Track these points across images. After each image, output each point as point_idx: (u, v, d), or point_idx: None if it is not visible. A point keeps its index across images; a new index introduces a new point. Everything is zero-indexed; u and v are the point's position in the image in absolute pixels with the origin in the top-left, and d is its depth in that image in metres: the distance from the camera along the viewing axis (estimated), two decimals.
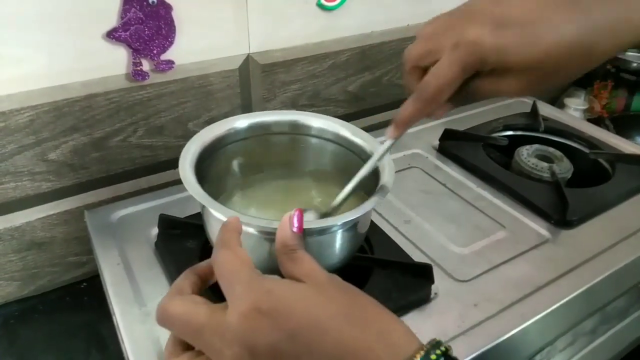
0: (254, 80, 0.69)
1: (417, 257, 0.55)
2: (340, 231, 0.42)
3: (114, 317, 0.49)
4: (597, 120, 1.08)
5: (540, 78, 0.31)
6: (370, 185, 0.44)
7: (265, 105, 0.72)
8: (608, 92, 1.13)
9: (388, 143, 0.40)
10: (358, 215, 0.40)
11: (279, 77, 0.71)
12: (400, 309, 0.48)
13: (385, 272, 0.51)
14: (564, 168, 0.71)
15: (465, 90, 0.34)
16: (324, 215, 0.43)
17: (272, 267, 0.43)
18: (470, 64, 0.32)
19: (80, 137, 0.59)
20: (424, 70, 0.35)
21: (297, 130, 0.53)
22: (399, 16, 0.78)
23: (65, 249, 0.65)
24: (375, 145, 0.49)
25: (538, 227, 0.61)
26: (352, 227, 0.43)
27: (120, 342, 0.46)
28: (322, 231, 0.41)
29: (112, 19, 0.55)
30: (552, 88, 0.34)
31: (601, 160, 0.76)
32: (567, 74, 0.31)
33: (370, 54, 0.78)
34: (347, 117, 0.52)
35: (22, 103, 0.54)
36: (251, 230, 0.40)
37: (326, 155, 0.53)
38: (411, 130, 0.83)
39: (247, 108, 0.71)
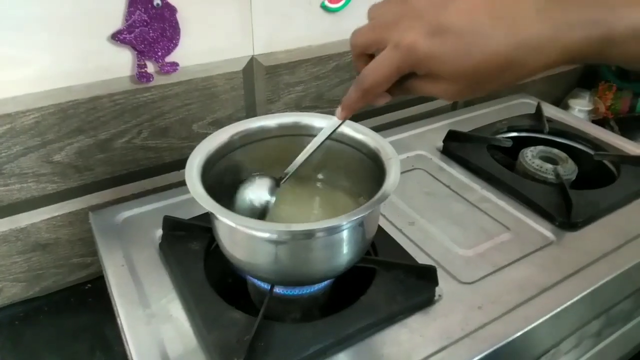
0: (258, 82, 0.69)
1: (421, 259, 0.55)
2: (347, 232, 0.42)
3: (118, 319, 0.49)
4: (601, 122, 1.07)
5: (471, 87, 0.33)
6: (376, 185, 0.44)
7: (269, 106, 0.73)
8: (613, 93, 1.12)
9: (336, 122, 0.42)
10: (364, 214, 0.40)
11: (282, 79, 0.71)
12: (405, 311, 0.48)
13: (390, 274, 0.51)
14: (568, 170, 0.70)
15: (402, 86, 0.36)
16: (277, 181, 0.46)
17: (282, 270, 0.43)
18: (404, 66, 0.34)
19: (85, 138, 0.60)
20: (370, 56, 0.37)
21: (300, 132, 0.53)
22: None
23: (70, 250, 0.65)
24: (380, 142, 0.49)
25: (542, 229, 0.61)
26: (359, 228, 0.43)
27: (125, 343, 0.47)
28: (329, 231, 0.41)
29: (117, 21, 0.56)
30: (487, 93, 0.35)
31: (606, 162, 0.76)
32: (498, 84, 0.33)
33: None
34: (351, 118, 0.52)
35: (27, 105, 0.54)
36: (264, 235, 0.40)
37: (331, 154, 0.53)
38: (415, 131, 0.84)
39: (251, 110, 0.71)
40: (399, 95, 0.37)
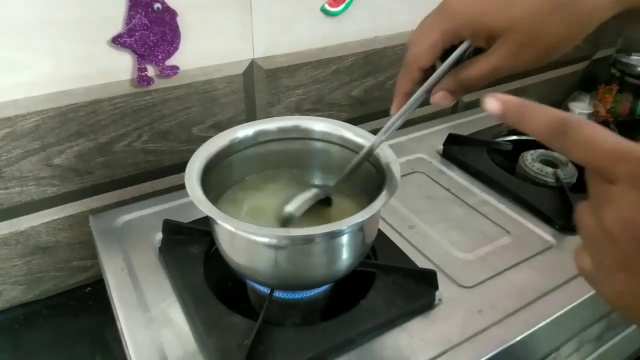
0: (258, 86, 0.70)
1: (421, 262, 0.55)
2: (347, 236, 0.42)
3: (118, 322, 0.49)
4: (602, 125, 1.07)
5: (524, 41, 0.30)
6: (376, 189, 0.44)
7: (269, 110, 0.73)
8: (613, 97, 1.12)
9: (393, 118, 0.39)
10: (364, 219, 0.40)
11: (283, 82, 0.72)
12: (404, 315, 0.48)
13: (389, 278, 0.51)
14: (568, 173, 0.70)
15: (458, 74, 0.33)
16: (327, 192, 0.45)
17: (282, 275, 0.43)
18: (448, 29, 0.32)
19: (85, 142, 0.60)
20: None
21: (300, 135, 0.53)
22: (402, 21, 0.78)
23: (70, 253, 0.65)
24: (381, 146, 0.48)
25: (543, 232, 0.61)
26: (359, 232, 0.43)
27: (124, 347, 0.46)
28: (328, 236, 0.41)
29: (117, 25, 0.56)
30: (544, 57, 0.31)
31: None
32: (553, 36, 0.30)
33: (374, 58, 0.78)
34: (351, 122, 0.52)
35: (27, 108, 0.55)
36: (264, 239, 0.40)
37: (331, 157, 0.53)
38: (415, 134, 0.84)
39: (251, 113, 0.71)
40: (459, 92, 0.34)
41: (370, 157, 0.43)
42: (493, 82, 0.34)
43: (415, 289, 0.50)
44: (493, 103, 0.26)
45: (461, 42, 0.33)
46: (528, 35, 0.30)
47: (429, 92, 0.36)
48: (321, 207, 0.47)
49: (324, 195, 0.46)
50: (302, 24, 0.69)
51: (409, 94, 0.36)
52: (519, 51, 0.30)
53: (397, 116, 0.38)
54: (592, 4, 0.29)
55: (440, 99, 0.34)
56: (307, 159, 0.54)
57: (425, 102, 0.37)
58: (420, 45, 0.34)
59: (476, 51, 0.34)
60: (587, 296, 0.52)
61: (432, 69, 0.36)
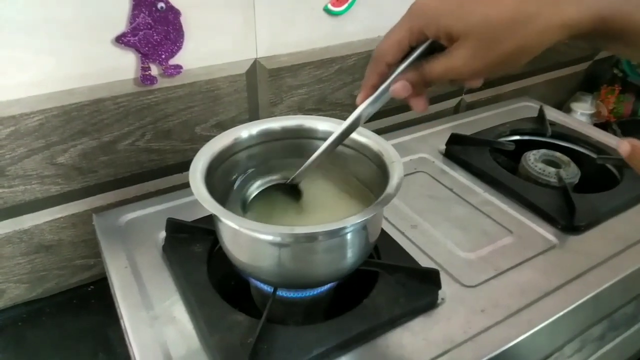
0: (261, 85, 0.70)
1: (424, 262, 0.55)
2: (350, 235, 0.42)
3: (121, 321, 0.49)
4: (604, 125, 1.07)
5: (478, 48, 0.32)
6: (379, 188, 0.44)
7: (272, 109, 0.73)
8: (615, 97, 1.12)
9: (357, 110, 0.40)
10: (367, 218, 0.40)
11: (285, 82, 0.72)
12: (407, 315, 0.48)
13: (392, 277, 0.51)
14: (571, 173, 0.70)
15: (420, 69, 0.35)
16: (290, 181, 0.46)
17: (285, 273, 0.43)
18: (414, 27, 0.34)
19: (89, 140, 0.60)
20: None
21: (304, 135, 0.53)
22: None
23: (73, 251, 0.66)
24: (383, 145, 0.49)
25: (545, 232, 0.61)
26: (362, 231, 0.43)
27: (128, 345, 0.47)
28: (332, 234, 0.41)
29: (121, 24, 0.56)
30: (497, 66, 0.33)
31: (609, 166, 0.76)
32: (504, 49, 0.32)
33: None
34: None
35: (31, 107, 0.55)
36: (268, 237, 0.41)
37: (333, 157, 0.53)
38: (418, 134, 0.84)
39: (254, 112, 0.71)
40: (419, 84, 0.36)
41: (340, 140, 0.43)
42: (494, 81, 0.35)
43: (418, 288, 0.50)
44: (624, 145, 0.31)
45: (427, 40, 0.35)
46: (481, 43, 0.32)
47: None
48: (291, 201, 0.48)
49: (287, 182, 0.47)
50: (305, 23, 0.69)
51: (375, 87, 0.38)
52: (474, 56, 0.33)
53: (361, 108, 0.39)
54: (543, 27, 0.31)
55: (400, 88, 0.36)
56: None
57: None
58: (388, 40, 0.36)
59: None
60: (589, 296, 0.52)
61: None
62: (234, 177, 0.52)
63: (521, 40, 0.31)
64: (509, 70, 0.34)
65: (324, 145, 0.43)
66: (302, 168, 0.45)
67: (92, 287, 0.68)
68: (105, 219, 0.61)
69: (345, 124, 0.41)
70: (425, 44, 0.36)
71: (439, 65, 0.34)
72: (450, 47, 0.33)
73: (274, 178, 0.50)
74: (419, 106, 0.38)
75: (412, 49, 0.36)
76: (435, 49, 0.35)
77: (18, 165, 0.57)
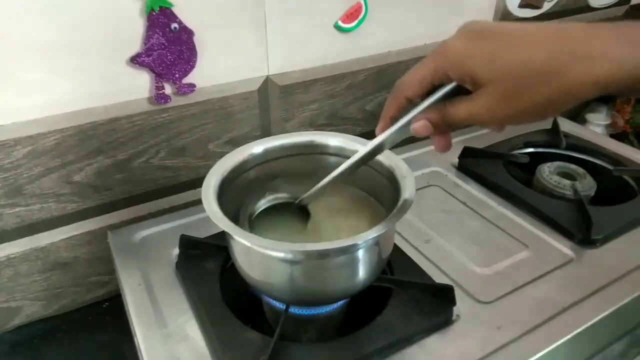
0: (273, 101, 0.70)
1: (438, 277, 0.54)
2: (362, 251, 0.42)
3: (135, 338, 0.49)
4: (620, 136, 1.06)
5: (507, 97, 0.30)
6: (391, 203, 0.44)
7: (284, 125, 0.73)
8: (631, 107, 1.11)
9: (374, 141, 0.40)
10: (379, 233, 0.40)
11: (297, 98, 0.72)
12: (422, 332, 0.48)
13: (406, 294, 0.50)
14: (587, 185, 0.69)
15: (443, 111, 0.34)
16: (299, 202, 0.46)
17: (297, 290, 0.43)
18: (438, 67, 0.33)
19: (104, 159, 0.61)
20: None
21: (315, 150, 0.53)
22: (415, 36, 0.79)
23: (88, 268, 0.66)
24: (395, 159, 0.48)
25: (562, 246, 0.60)
26: (375, 247, 0.43)
27: None
28: (344, 251, 0.41)
29: (135, 45, 0.57)
30: (518, 118, 0.32)
31: (626, 177, 0.75)
32: (531, 100, 0.30)
33: (388, 73, 0.79)
34: (365, 136, 0.52)
35: (48, 127, 0.56)
36: (279, 254, 0.41)
37: None
38: (429, 148, 0.84)
39: (266, 128, 0.72)
40: (440, 125, 0.35)
41: (343, 176, 0.43)
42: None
43: (432, 304, 0.49)
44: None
45: (451, 82, 0.34)
46: (507, 92, 0.30)
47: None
48: (298, 217, 0.48)
49: (295, 202, 0.47)
50: (316, 40, 0.70)
51: (393, 119, 0.38)
52: (498, 105, 0.31)
53: (379, 139, 0.39)
54: (574, 82, 0.29)
55: (420, 127, 0.35)
56: (322, 174, 0.54)
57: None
58: (411, 76, 0.35)
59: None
60: (609, 311, 0.51)
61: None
62: (247, 193, 0.52)
63: (549, 94, 0.29)
64: (533, 121, 0.32)
65: (334, 173, 0.43)
66: (310, 192, 0.45)
67: (107, 303, 0.69)
68: (120, 236, 0.61)
69: (359, 154, 0.41)
70: (450, 86, 0.34)
71: (461, 110, 0.33)
72: (475, 93, 0.32)
73: (282, 196, 0.50)
74: (441, 146, 0.37)
75: (436, 88, 0.35)
76: (461, 91, 0.34)
77: (35, 184, 0.58)
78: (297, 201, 0.47)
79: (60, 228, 0.62)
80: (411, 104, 0.37)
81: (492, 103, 0.31)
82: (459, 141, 0.83)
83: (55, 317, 0.67)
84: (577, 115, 1.14)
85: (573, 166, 0.74)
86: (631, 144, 1.00)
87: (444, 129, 0.35)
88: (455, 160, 0.77)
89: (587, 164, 0.78)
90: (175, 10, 0.57)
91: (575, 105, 0.30)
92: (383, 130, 0.39)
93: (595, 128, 1.04)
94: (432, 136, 0.37)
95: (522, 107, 0.31)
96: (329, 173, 0.55)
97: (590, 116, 1.08)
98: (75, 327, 0.65)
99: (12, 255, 0.60)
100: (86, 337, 0.64)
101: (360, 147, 0.49)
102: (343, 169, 0.42)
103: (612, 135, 0.98)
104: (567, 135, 0.83)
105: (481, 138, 0.84)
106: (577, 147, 0.81)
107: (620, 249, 0.59)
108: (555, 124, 0.85)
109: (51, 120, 0.56)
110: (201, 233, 0.58)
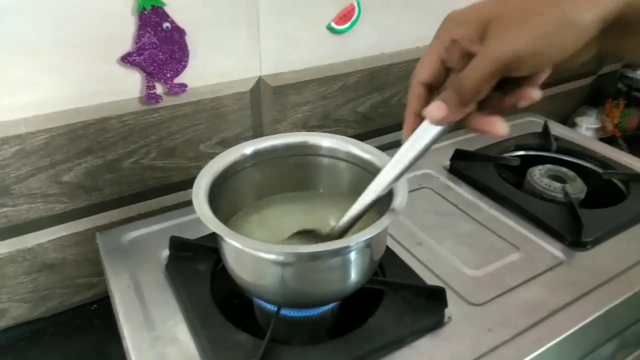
0: (265, 102, 0.70)
1: (430, 279, 0.54)
2: (354, 253, 0.42)
3: (123, 340, 0.48)
4: (609, 140, 1.07)
5: (519, 20, 0.28)
6: (383, 205, 0.44)
7: (276, 126, 0.73)
8: (620, 111, 1.12)
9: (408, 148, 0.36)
10: (371, 236, 0.40)
11: (289, 99, 0.72)
12: (414, 334, 0.47)
13: (398, 296, 0.50)
14: (577, 188, 0.70)
15: (455, 81, 0.32)
16: (330, 237, 0.43)
17: (289, 292, 0.43)
18: (443, 35, 0.32)
19: (94, 159, 0.60)
20: (429, 89, 0.34)
21: (307, 151, 0.53)
22: (408, 38, 0.79)
23: (76, 270, 0.65)
24: (387, 161, 0.48)
25: (552, 248, 0.60)
26: (367, 249, 0.43)
27: None
28: (335, 253, 0.41)
29: (126, 44, 0.56)
30: (548, 45, 0.27)
31: (615, 180, 0.75)
32: (549, 17, 0.28)
33: (380, 75, 0.79)
34: (357, 138, 0.52)
35: (37, 126, 0.55)
36: (271, 256, 0.40)
37: (339, 173, 0.53)
38: None
39: (258, 129, 0.71)
40: (456, 100, 0.32)
41: (376, 204, 0.41)
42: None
43: (424, 306, 0.49)
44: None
45: (462, 50, 0.32)
46: (517, 16, 0.28)
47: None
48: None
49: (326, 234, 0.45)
50: (309, 41, 0.70)
51: (417, 114, 0.35)
52: (510, 33, 0.28)
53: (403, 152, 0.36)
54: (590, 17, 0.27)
55: (434, 107, 0.32)
56: (315, 175, 0.54)
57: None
58: (422, 59, 0.34)
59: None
60: (599, 313, 0.51)
61: (438, 87, 0.34)
62: (238, 195, 0.52)
63: (559, 12, 0.27)
64: (557, 55, 0.28)
65: (367, 199, 0.41)
66: (347, 220, 0.42)
67: (95, 305, 0.68)
68: (109, 238, 0.61)
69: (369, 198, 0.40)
70: (439, 129, 0.33)
71: (473, 64, 0.30)
72: (488, 37, 0.29)
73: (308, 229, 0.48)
74: (489, 127, 0.34)
75: (447, 69, 0.33)
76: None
77: (23, 184, 0.57)
78: (327, 232, 0.45)
79: (48, 229, 0.61)
80: (430, 91, 0.34)
81: (503, 31, 0.29)
82: (450, 144, 0.84)
83: (42, 319, 0.66)
84: (568, 119, 1.15)
85: (563, 169, 0.74)
86: (620, 147, 1.01)
87: (459, 102, 0.32)
88: (447, 163, 0.77)
89: (577, 167, 0.78)
90: (167, 9, 0.57)
91: (578, 42, 0.28)
92: (410, 129, 0.35)
93: (585, 132, 1.05)
94: (475, 123, 0.34)
95: (536, 30, 0.28)
96: (321, 174, 0.54)
97: (580, 120, 1.09)
98: (62, 329, 0.64)
99: None
100: (74, 339, 0.63)
101: (359, 146, 0.49)
102: (368, 202, 0.41)
103: (601, 139, 0.99)
104: (557, 139, 0.83)
105: (473, 141, 0.84)
106: (567, 151, 0.81)
107: (610, 252, 0.60)
108: (545, 128, 0.86)
109: (40, 119, 0.55)
110: (192, 234, 0.57)
